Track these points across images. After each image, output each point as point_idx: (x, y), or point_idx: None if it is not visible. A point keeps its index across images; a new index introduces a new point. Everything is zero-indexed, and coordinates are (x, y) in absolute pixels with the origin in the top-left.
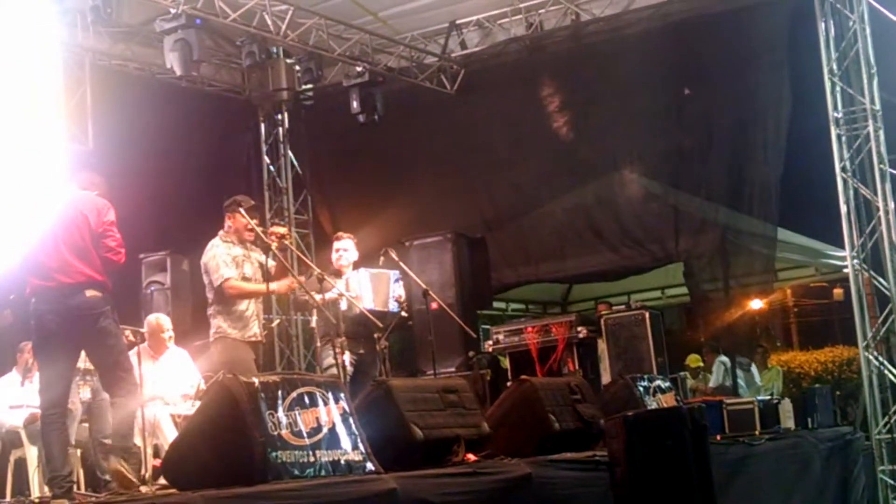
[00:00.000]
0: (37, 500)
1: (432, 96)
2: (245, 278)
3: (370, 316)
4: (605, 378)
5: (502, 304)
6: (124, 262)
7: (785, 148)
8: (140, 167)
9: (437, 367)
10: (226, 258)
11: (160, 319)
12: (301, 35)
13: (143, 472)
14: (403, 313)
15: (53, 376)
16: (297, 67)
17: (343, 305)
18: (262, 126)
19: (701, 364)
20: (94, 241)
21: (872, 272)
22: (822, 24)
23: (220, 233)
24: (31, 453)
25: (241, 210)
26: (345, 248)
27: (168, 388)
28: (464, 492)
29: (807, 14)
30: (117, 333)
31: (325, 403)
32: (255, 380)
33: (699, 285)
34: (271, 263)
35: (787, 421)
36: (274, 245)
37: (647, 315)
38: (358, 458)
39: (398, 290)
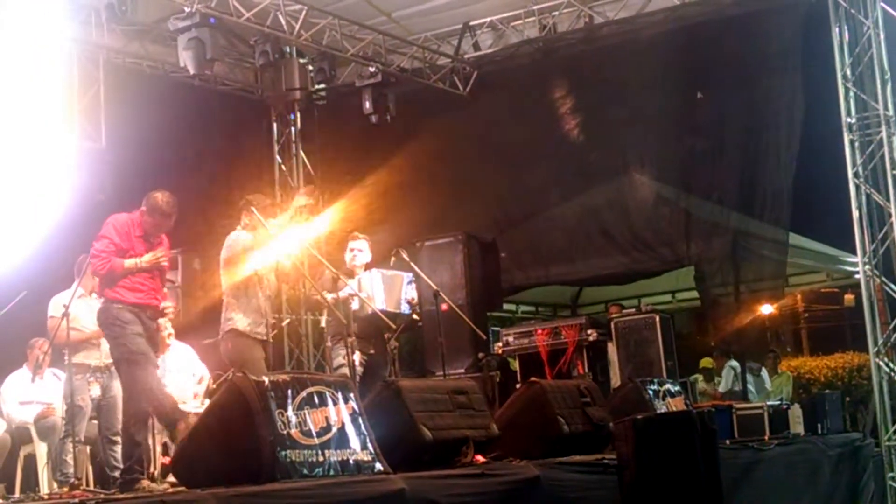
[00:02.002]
0: (46, 496)
1: (445, 97)
2: (258, 275)
3: (383, 316)
4: (615, 381)
5: (512, 306)
6: (101, 274)
7: (797, 153)
8: (152, 166)
9: (447, 368)
10: (242, 249)
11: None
12: (314, 35)
13: (152, 469)
14: (415, 316)
15: None
16: (310, 67)
17: (355, 305)
18: (275, 125)
19: (708, 366)
20: None
21: (884, 278)
22: (836, 30)
23: (239, 227)
24: (41, 449)
25: (254, 209)
26: (359, 249)
27: (174, 387)
28: (472, 493)
29: (821, 19)
30: (115, 343)
31: (335, 403)
32: (265, 379)
33: (710, 289)
34: (285, 262)
35: (797, 426)
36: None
37: (657, 319)
38: (367, 458)
39: (411, 293)
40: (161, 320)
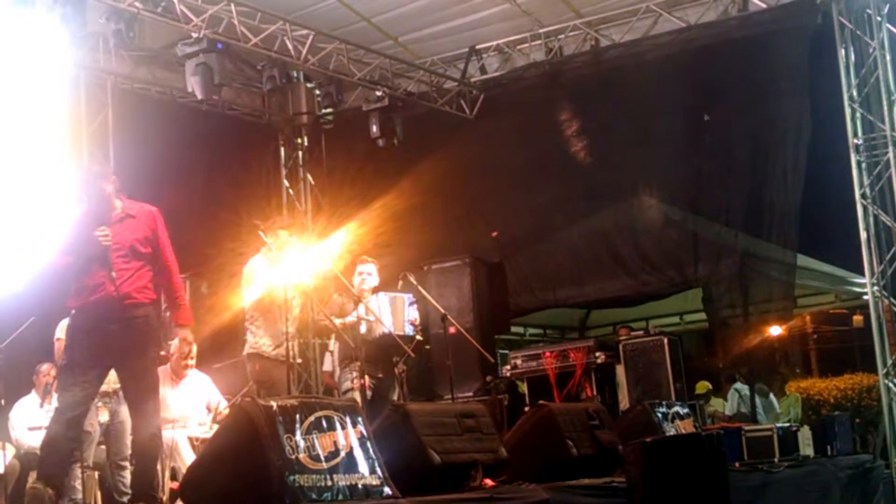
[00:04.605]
0: None
1: (451, 121)
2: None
3: (399, 340)
4: (623, 404)
5: (520, 329)
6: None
7: (805, 174)
8: (160, 190)
9: (455, 391)
10: (264, 273)
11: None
12: (321, 59)
13: (161, 494)
14: (418, 336)
15: None
16: (318, 92)
17: (362, 329)
18: (282, 149)
19: (703, 391)
20: None
21: (892, 299)
22: (842, 51)
23: (263, 249)
24: None
25: (261, 233)
26: (368, 273)
27: (187, 412)
28: None
29: (827, 40)
30: None
31: (343, 427)
32: (273, 403)
33: (718, 311)
34: (310, 284)
35: (807, 448)
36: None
37: (665, 341)
38: (375, 482)
39: (412, 314)
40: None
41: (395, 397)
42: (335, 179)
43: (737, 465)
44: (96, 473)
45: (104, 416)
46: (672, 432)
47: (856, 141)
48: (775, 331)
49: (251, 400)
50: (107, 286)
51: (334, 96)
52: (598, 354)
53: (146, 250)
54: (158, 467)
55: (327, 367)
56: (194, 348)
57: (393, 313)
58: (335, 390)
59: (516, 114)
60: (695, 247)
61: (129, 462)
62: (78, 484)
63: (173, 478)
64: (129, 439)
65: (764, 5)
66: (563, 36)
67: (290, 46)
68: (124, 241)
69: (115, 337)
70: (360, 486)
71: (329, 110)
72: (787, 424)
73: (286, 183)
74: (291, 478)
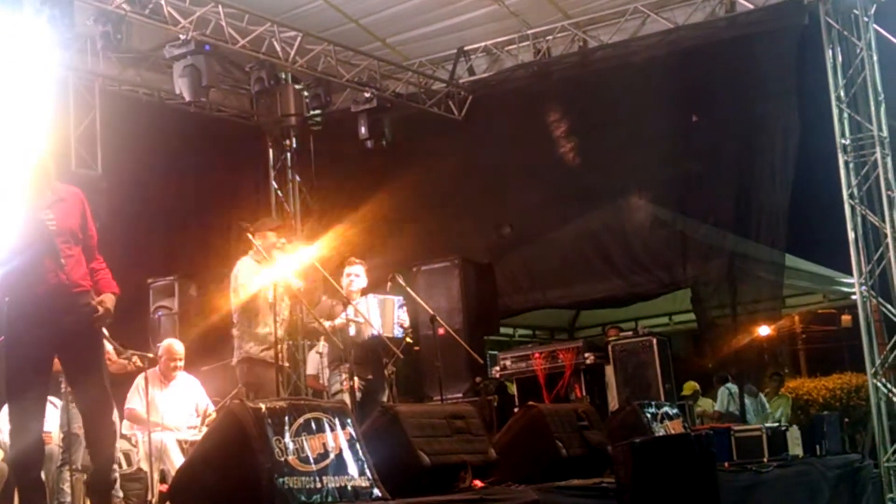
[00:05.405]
0: None
1: (440, 122)
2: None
3: (388, 342)
4: (613, 404)
5: (509, 330)
6: None
7: (793, 174)
8: (148, 192)
9: (445, 392)
10: (253, 274)
11: (174, 345)
12: (309, 61)
13: (149, 497)
14: (408, 339)
15: None
16: (306, 93)
17: (351, 331)
18: (271, 151)
19: (690, 392)
20: None
21: (880, 299)
22: (830, 52)
23: (251, 252)
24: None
25: (250, 236)
26: (356, 274)
27: (176, 415)
28: None
29: (814, 41)
30: None
31: (332, 429)
32: (262, 405)
33: (707, 312)
34: (299, 285)
35: (796, 448)
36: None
37: (654, 341)
38: (365, 484)
39: (402, 316)
40: (178, 348)
41: (385, 399)
42: (324, 181)
43: (726, 465)
44: (85, 476)
45: None
46: (661, 433)
47: (843, 141)
48: (764, 331)
49: (240, 402)
50: (57, 274)
51: (322, 98)
52: (587, 355)
53: (81, 234)
54: (147, 470)
55: (311, 370)
56: (180, 350)
57: (382, 315)
58: (324, 392)
59: (505, 115)
60: (683, 247)
61: (118, 465)
62: (67, 487)
63: (162, 480)
64: (117, 442)
65: (751, 6)
66: (551, 37)
67: (278, 48)
68: (65, 226)
69: (66, 329)
70: (349, 487)
71: (317, 112)
72: (776, 424)
73: (274, 184)
74: (280, 480)
